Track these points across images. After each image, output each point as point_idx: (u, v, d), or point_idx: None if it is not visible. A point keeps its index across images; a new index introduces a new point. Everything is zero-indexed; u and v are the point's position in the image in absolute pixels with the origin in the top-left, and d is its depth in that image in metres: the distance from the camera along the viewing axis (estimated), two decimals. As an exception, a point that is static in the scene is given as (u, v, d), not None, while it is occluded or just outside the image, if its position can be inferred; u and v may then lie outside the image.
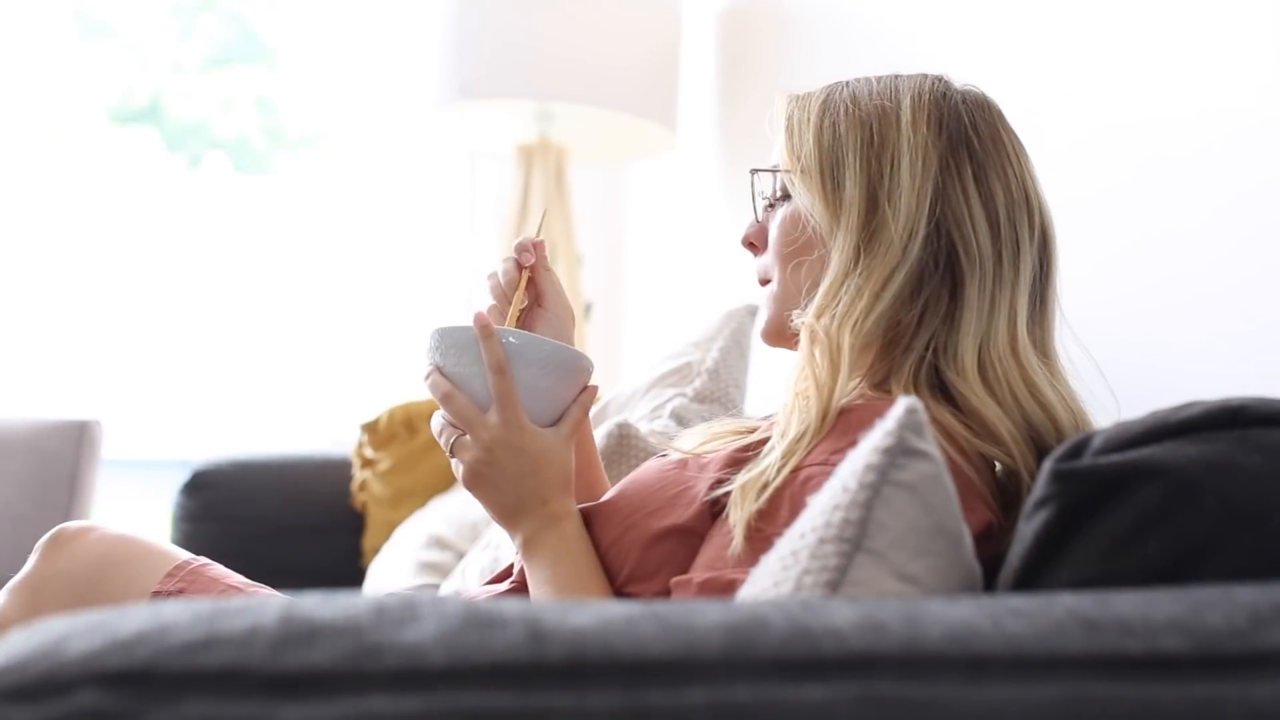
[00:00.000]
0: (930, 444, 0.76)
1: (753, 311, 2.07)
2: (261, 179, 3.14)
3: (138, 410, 2.83)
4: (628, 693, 0.52)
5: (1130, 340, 1.48)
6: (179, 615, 0.52)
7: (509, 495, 1.04)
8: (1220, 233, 1.37)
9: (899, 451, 0.75)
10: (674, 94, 2.52)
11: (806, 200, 1.05)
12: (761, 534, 0.90)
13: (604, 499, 1.08)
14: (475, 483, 1.05)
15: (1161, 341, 1.44)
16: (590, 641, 0.53)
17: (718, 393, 1.82)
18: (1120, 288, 1.50)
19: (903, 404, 0.77)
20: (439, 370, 1.05)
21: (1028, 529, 0.77)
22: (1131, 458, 0.75)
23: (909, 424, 0.76)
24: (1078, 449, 0.78)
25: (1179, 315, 1.42)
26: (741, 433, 1.10)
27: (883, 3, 2.04)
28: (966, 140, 1.04)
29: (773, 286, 1.11)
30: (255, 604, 0.53)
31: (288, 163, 3.20)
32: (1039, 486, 0.78)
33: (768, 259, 1.11)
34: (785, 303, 1.09)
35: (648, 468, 1.09)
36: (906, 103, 1.05)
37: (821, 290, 1.03)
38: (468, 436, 1.04)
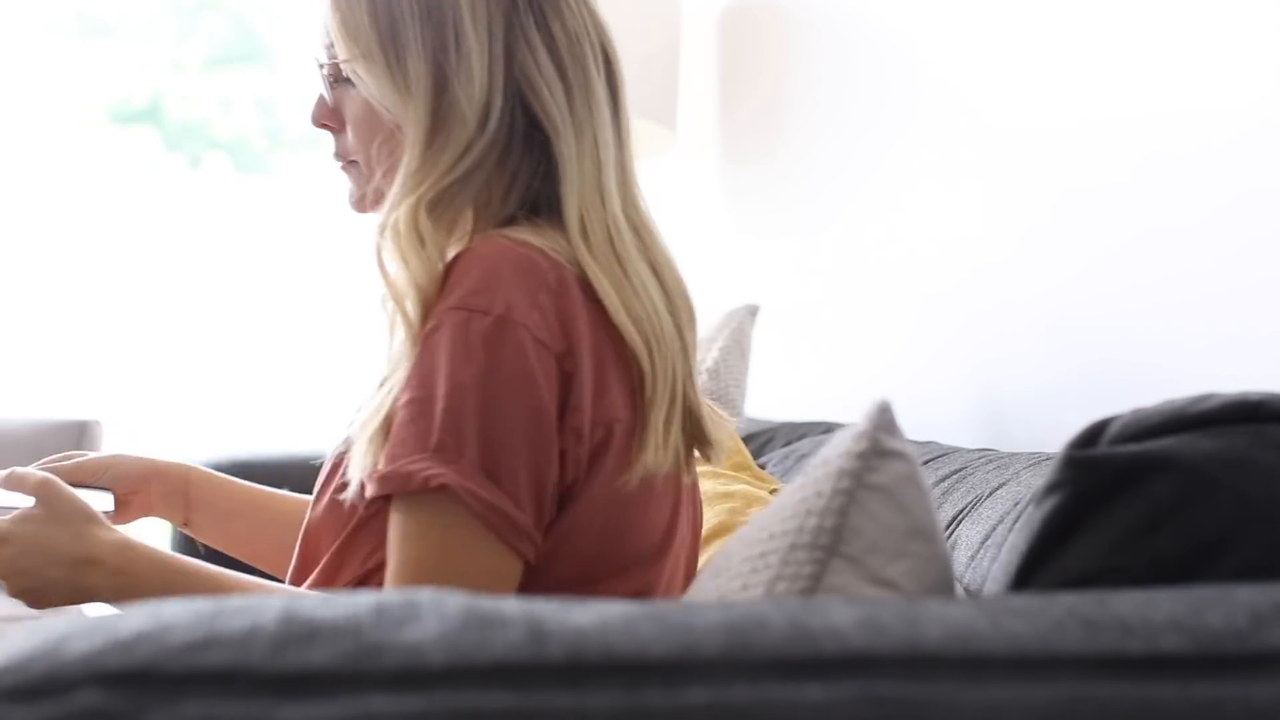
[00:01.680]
0: (903, 442, 0.75)
1: (753, 311, 2.06)
2: (261, 179, 3.13)
3: (138, 410, 2.83)
4: (627, 692, 0.52)
5: (1132, 339, 1.48)
6: (179, 615, 0.52)
7: (59, 571, 0.94)
8: (1223, 231, 1.37)
9: (873, 454, 0.74)
10: (674, 94, 2.51)
11: (375, 89, 0.98)
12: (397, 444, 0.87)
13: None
14: (19, 578, 0.95)
15: (1163, 341, 1.44)
16: (590, 641, 0.53)
17: (718, 392, 1.82)
18: (1119, 284, 1.50)
19: (875, 404, 0.76)
20: None
21: (1037, 514, 0.76)
22: (1148, 448, 0.73)
23: (881, 424, 0.75)
24: (1093, 435, 0.76)
25: (1179, 313, 1.42)
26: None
27: (883, 2, 2.04)
28: None
29: (362, 167, 1.04)
30: (255, 604, 0.53)
31: (288, 163, 3.20)
32: (1052, 471, 0.76)
33: (350, 141, 1.04)
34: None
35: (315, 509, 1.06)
36: None
37: (397, 183, 0.97)
38: None
